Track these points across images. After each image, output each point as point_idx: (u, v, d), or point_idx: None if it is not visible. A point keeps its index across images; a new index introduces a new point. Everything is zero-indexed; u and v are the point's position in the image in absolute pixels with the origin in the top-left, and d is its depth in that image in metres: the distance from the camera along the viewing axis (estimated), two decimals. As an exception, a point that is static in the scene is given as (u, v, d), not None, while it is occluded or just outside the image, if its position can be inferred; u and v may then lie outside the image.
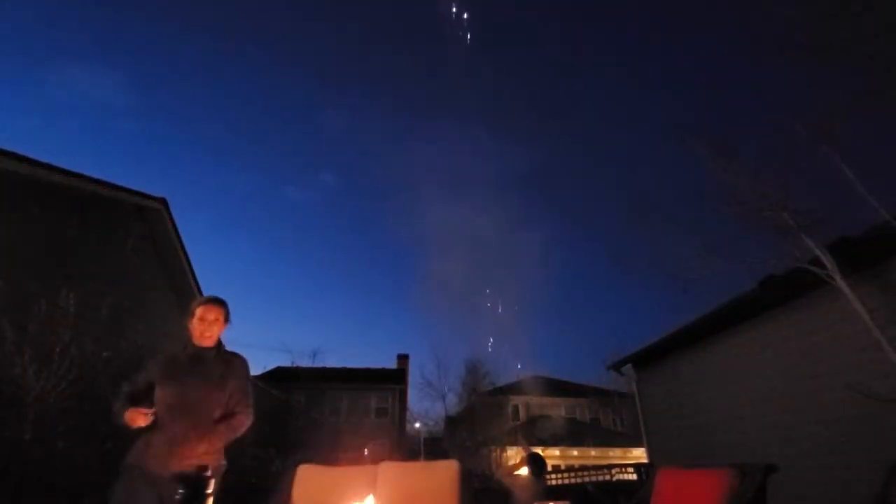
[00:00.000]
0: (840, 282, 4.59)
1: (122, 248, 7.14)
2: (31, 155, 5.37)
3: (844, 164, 4.56)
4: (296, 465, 3.48)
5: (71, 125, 60.22)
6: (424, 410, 23.28)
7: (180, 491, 1.50)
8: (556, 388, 24.07)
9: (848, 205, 4.74)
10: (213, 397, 2.15)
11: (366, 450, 16.82)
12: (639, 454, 15.71)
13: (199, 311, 2.29)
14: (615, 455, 19.20)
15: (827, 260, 4.64)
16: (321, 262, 65.81)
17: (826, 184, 5.10)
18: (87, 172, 6.00)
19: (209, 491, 1.52)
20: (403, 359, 24.60)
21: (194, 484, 1.50)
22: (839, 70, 4.81)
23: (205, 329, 2.25)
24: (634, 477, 9.67)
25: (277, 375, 20.73)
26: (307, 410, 16.91)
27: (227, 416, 2.19)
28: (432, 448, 20.32)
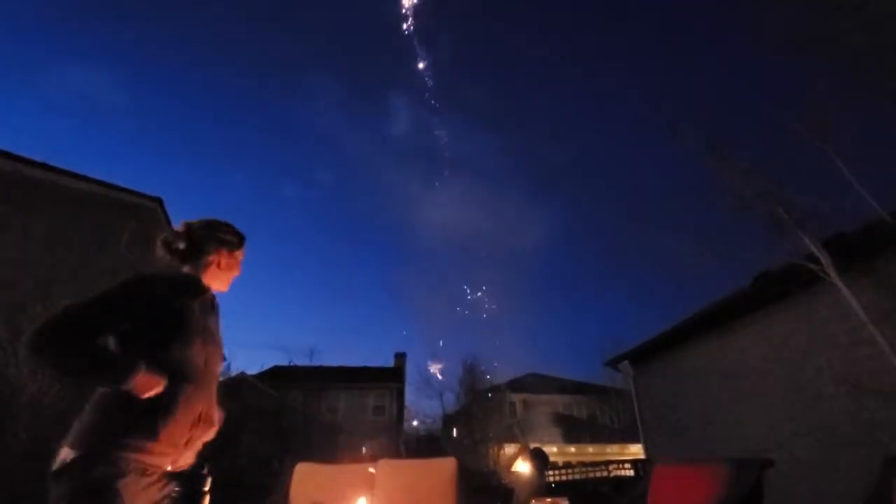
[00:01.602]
0: (835, 277, 4.61)
1: (117, 248, 7.11)
2: (25, 154, 5.33)
3: (840, 159, 4.58)
4: (294, 464, 3.47)
5: (67, 124, 59.88)
6: (422, 409, 23.33)
7: (177, 489, 1.34)
8: (554, 385, 24.11)
9: (843, 200, 4.76)
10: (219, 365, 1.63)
11: (364, 448, 16.84)
12: (636, 450, 15.75)
13: (240, 252, 1.72)
14: (612, 452, 19.25)
15: (822, 256, 4.66)
16: (318, 260, 65.72)
17: (821, 179, 5.12)
18: (82, 172, 5.98)
19: (206, 488, 1.41)
20: (401, 357, 24.58)
21: (190, 481, 1.38)
22: (836, 66, 4.83)
23: (235, 274, 1.71)
24: (632, 473, 9.73)
25: (275, 374, 20.66)
26: (305, 409, 16.89)
27: None
28: (428, 447, 20.28)
